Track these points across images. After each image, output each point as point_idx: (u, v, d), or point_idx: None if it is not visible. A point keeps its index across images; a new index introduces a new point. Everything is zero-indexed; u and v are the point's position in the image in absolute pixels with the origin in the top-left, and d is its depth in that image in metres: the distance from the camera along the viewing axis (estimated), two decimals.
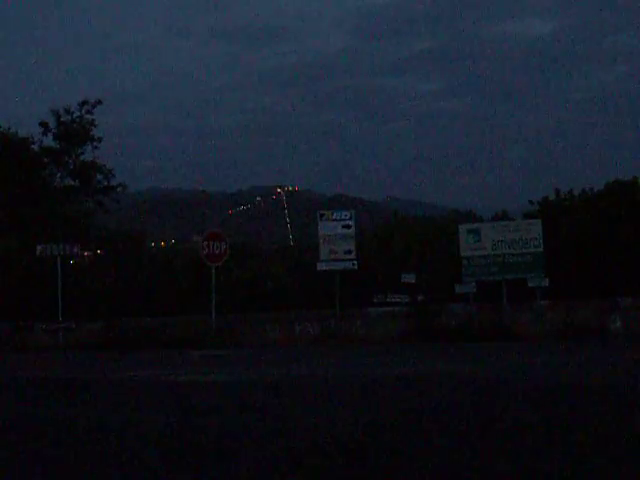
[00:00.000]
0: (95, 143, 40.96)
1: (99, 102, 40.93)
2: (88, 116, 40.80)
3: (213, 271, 28.93)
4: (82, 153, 41.28)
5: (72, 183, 41.66)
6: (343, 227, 30.20)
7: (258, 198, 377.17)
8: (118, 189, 41.87)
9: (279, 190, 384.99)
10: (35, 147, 41.09)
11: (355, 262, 29.96)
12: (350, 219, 30.51)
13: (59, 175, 41.83)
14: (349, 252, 29.95)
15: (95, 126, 41.04)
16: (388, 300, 31.46)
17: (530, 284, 33.29)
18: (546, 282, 33.19)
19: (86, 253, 42.16)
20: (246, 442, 6.93)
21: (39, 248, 29.69)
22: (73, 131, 40.57)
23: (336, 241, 30.03)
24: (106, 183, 41.45)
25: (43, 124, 40.52)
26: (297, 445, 6.71)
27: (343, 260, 29.90)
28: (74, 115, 40.72)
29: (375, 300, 31.70)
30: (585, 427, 7.26)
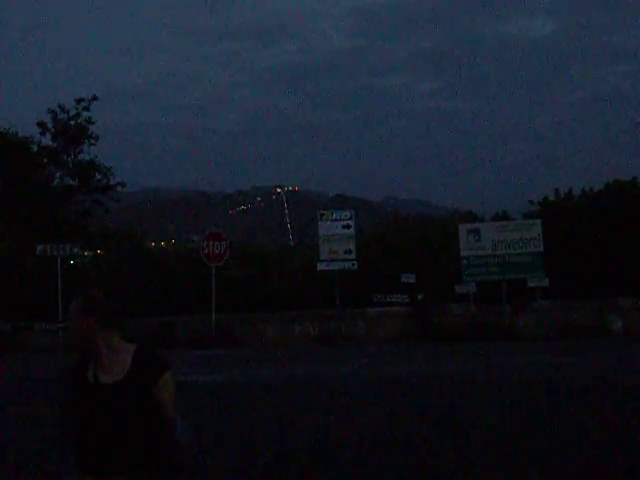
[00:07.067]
0: (92, 141, 40.73)
1: (95, 98, 40.68)
2: (85, 113, 40.67)
3: (213, 271, 28.89)
4: (80, 152, 41.13)
5: (71, 182, 41.51)
6: (343, 227, 30.19)
7: (258, 198, 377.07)
8: (117, 187, 41.65)
9: (279, 190, 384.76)
10: (34, 147, 40.96)
11: (355, 262, 29.94)
12: (350, 219, 30.50)
13: (58, 175, 41.71)
14: (349, 252, 29.94)
15: (92, 123, 40.86)
16: (388, 300, 31.42)
17: (530, 284, 33.36)
18: (546, 282, 33.24)
19: (86, 253, 42.05)
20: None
21: (39, 248, 29.63)
22: (70, 129, 40.41)
23: (336, 241, 30.02)
24: (105, 182, 41.27)
25: (40, 124, 40.39)
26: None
27: (343, 260, 29.89)
28: (70, 113, 40.58)
29: (375, 300, 31.65)
30: None
